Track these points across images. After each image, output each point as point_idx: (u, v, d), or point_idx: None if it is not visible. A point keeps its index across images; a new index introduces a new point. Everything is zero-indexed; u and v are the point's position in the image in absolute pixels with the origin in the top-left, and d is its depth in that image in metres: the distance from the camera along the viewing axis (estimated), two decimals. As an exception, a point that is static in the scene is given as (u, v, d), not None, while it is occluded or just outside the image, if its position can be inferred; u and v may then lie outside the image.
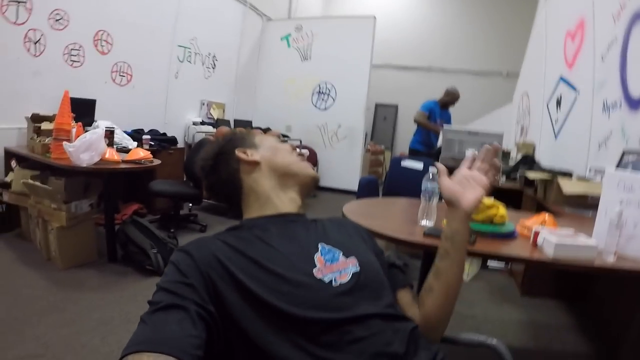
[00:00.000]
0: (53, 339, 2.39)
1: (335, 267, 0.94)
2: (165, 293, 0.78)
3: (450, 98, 5.85)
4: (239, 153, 1.13)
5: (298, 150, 1.12)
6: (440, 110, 5.89)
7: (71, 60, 4.80)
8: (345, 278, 0.92)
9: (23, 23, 4.22)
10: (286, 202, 1.11)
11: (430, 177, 1.87)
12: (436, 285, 1.06)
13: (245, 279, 0.84)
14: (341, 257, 0.98)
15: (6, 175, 3.97)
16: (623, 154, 2.85)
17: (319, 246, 0.99)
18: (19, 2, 4.13)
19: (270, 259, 0.90)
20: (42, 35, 4.41)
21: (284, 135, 7.42)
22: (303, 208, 1.16)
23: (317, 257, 0.95)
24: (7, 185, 3.87)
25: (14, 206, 3.92)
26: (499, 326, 3.01)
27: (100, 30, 5.10)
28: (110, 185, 3.60)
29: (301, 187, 1.15)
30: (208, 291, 0.81)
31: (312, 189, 1.21)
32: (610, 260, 1.51)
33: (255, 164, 1.13)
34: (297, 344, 0.81)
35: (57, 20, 4.54)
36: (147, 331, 0.70)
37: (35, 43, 4.37)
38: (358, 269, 0.96)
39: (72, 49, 4.78)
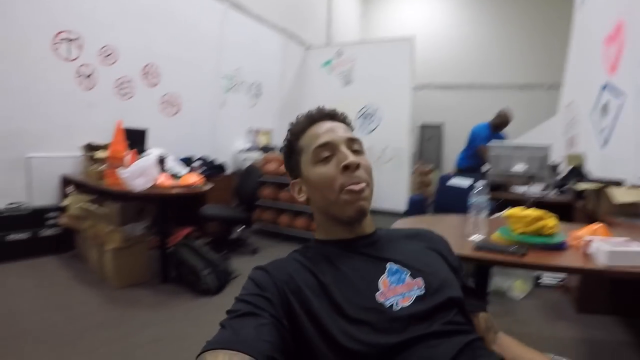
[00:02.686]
0: (106, 353, 2.43)
1: (399, 290, 0.93)
2: (243, 303, 0.82)
3: (500, 120, 5.66)
4: (291, 188, 1.11)
5: (351, 163, 0.97)
6: (491, 133, 5.70)
7: (122, 93, 4.99)
8: (407, 302, 0.91)
9: (75, 59, 4.43)
10: (343, 232, 1.04)
11: (478, 190, 1.84)
12: None
13: (314, 301, 0.88)
14: (407, 278, 0.96)
15: (63, 200, 4.13)
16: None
17: (387, 266, 0.98)
18: (70, 40, 4.36)
19: (337, 283, 0.92)
20: (93, 69, 4.62)
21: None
22: (370, 225, 1.08)
23: (382, 281, 0.94)
24: (63, 210, 4.03)
25: (70, 229, 4.06)
26: (554, 344, 2.84)
27: (148, 64, 5.30)
28: (163, 209, 3.69)
29: (346, 223, 1.03)
30: (283, 307, 0.85)
31: (359, 221, 1.04)
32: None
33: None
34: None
35: (106, 55, 4.75)
36: (225, 333, 0.75)
37: (87, 77, 4.58)
38: (423, 292, 0.94)
39: (122, 82, 4.97)
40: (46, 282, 3.47)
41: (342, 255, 0.99)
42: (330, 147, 1.01)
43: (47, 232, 4.09)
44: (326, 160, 1.01)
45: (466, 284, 1.13)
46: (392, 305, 0.89)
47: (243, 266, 4.09)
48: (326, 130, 1.04)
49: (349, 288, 0.91)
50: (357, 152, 1.03)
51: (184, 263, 3.59)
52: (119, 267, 3.45)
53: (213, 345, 0.70)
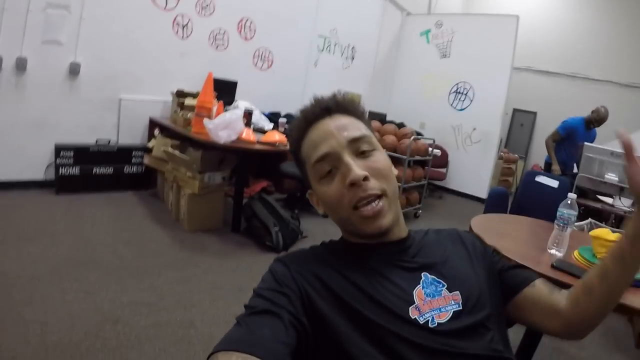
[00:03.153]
0: (168, 292, 2.49)
1: (435, 304, 0.83)
2: (261, 299, 0.77)
3: (596, 117, 5.19)
4: (310, 198, 0.98)
5: (355, 179, 0.81)
6: (584, 130, 5.26)
7: (216, 44, 5.06)
8: (445, 317, 0.82)
9: (172, 9, 4.52)
10: (372, 239, 0.90)
11: (569, 203, 1.64)
12: (599, 288, 0.89)
13: (345, 296, 0.80)
14: (444, 292, 0.86)
15: (149, 141, 4.31)
16: None
17: (422, 276, 0.88)
18: (169, -11, 4.46)
19: (366, 287, 0.82)
20: (189, 20, 4.70)
21: (418, 133, 7.21)
22: (402, 229, 0.95)
23: (417, 292, 0.84)
24: (148, 150, 4.19)
25: (152, 169, 4.22)
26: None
27: (244, 18, 5.32)
28: (243, 162, 3.73)
29: (370, 237, 0.89)
30: (303, 303, 0.79)
31: (386, 233, 0.89)
32: None
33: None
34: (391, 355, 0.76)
35: (203, 7, 4.81)
36: (241, 332, 0.70)
37: (183, 27, 4.67)
38: (460, 307, 0.84)
39: (217, 34, 5.04)
40: (122, 215, 3.64)
41: (372, 260, 0.88)
42: (330, 160, 0.86)
43: (130, 170, 4.29)
44: (329, 175, 0.86)
45: (505, 266, 1.01)
46: (427, 321, 0.80)
47: (313, 227, 4.08)
48: (324, 137, 0.87)
49: (380, 295, 0.81)
50: (365, 153, 0.87)
51: (256, 216, 3.62)
52: (193, 211, 3.54)
53: (227, 345, 0.66)
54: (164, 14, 4.46)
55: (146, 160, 4.16)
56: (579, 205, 3.70)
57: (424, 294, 0.84)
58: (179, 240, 3.31)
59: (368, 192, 0.82)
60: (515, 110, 10.41)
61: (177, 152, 3.64)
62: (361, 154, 0.86)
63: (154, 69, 4.48)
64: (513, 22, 7.08)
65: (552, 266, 1.50)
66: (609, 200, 4.04)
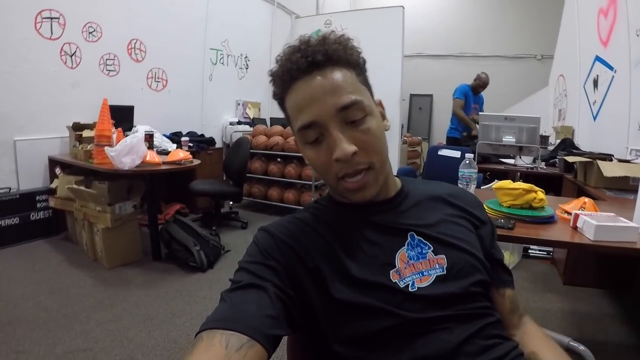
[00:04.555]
0: (101, 334, 2.47)
1: (418, 267, 0.83)
2: (245, 273, 0.77)
3: (480, 82, 5.76)
4: (295, 142, 0.94)
5: (342, 156, 0.78)
6: (473, 94, 5.80)
7: (107, 70, 4.93)
8: (427, 281, 0.82)
9: (58, 38, 4.36)
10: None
11: (467, 162, 1.84)
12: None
13: (322, 268, 0.81)
14: (429, 254, 0.85)
15: (51, 182, 4.14)
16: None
17: (409, 236, 0.87)
18: (52, 18, 4.27)
19: (347, 253, 0.83)
20: (77, 48, 4.55)
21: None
22: (392, 187, 0.95)
23: (400, 255, 0.84)
24: (52, 192, 4.03)
25: (60, 211, 4.07)
26: (540, 316, 2.90)
27: (133, 39, 5.22)
28: (152, 186, 3.69)
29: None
30: (288, 274, 0.79)
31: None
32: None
33: None
34: (362, 337, 0.78)
35: (90, 32, 4.67)
36: (224, 309, 0.71)
37: (71, 56, 4.51)
38: (444, 272, 0.83)
39: (107, 59, 4.91)
40: (38, 266, 3.50)
41: (357, 221, 0.88)
42: (316, 128, 0.80)
43: (37, 216, 4.11)
44: (316, 142, 0.82)
45: (494, 255, 0.99)
46: (407, 285, 0.80)
47: (234, 241, 4.15)
48: (310, 100, 0.79)
49: (362, 260, 0.82)
50: (356, 122, 0.80)
51: (174, 239, 3.63)
52: (110, 247, 3.48)
53: (211, 324, 0.66)
54: (50, 44, 4.29)
55: (52, 202, 4.00)
56: (485, 170, 4.06)
57: (407, 256, 0.84)
58: (101, 279, 3.26)
59: (354, 167, 0.80)
60: (412, 95, 11.01)
61: (82, 188, 3.54)
62: (352, 124, 0.80)
63: (47, 103, 4.30)
64: (399, 12, 7.43)
65: None
66: (511, 161, 4.42)
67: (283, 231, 0.86)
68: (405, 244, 0.86)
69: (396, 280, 0.80)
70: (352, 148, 0.78)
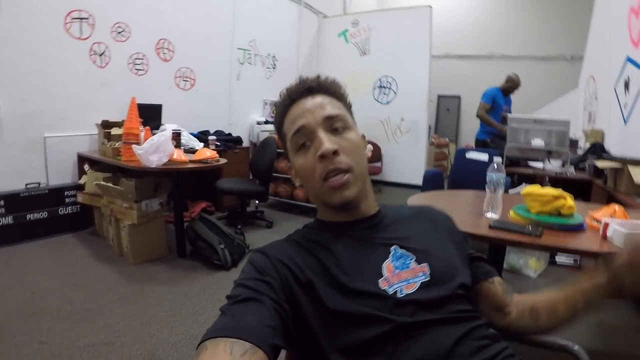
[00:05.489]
0: (124, 329, 2.49)
1: (403, 275, 0.89)
2: (242, 288, 0.80)
3: (511, 84, 5.61)
4: (289, 171, 1.06)
5: (325, 151, 0.89)
6: (503, 96, 5.68)
7: (135, 69, 5.01)
8: (412, 288, 0.88)
9: (87, 38, 4.44)
10: (343, 215, 0.99)
11: (496, 167, 1.79)
12: (545, 319, 1.03)
13: (315, 281, 0.86)
14: (412, 264, 0.92)
15: (80, 178, 4.20)
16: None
17: (392, 250, 0.94)
18: (81, 19, 4.36)
19: (338, 266, 0.88)
20: (106, 47, 4.63)
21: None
22: (372, 206, 1.03)
23: (387, 265, 0.91)
24: (81, 187, 4.09)
25: (88, 206, 4.14)
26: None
27: (161, 39, 5.29)
28: (178, 184, 3.71)
29: (340, 209, 0.97)
30: (284, 290, 0.83)
31: (355, 206, 0.98)
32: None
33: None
34: (358, 345, 0.81)
35: (119, 32, 4.75)
36: (226, 320, 0.73)
37: (101, 55, 4.59)
38: (428, 278, 0.90)
39: (135, 59, 4.99)
40: (65, 260, 3.54)
41: (344, 238, 0.95)
42: (305, 133, 0.93)
43: (65, 211, 4.17)
44: (304, 147, 0.94)
45: (473, 255, 1.10)
46: (395, 292, 0.86)
47: (259, 240, 4.13)
48: (302, 113, 0.95)
49: (352, 272, 0.88)
50: (339, 130, 0.94)
51: (200, 238, 3.64)
52: (135, 243, 3.51)
53: (214, 334, 0.68)
54: (80, 44, 4.38)
55: (80, 198, 4.06)
56: (512, 174, 3.95)
57: (393, 266, 0.90)
58: (126, 275, 3.28)
59: (336, 165, 0.90)
60: (440, 97, 10.90)
61: (110, 184, 3.58)
62: (335, 131, 0.94)
63: (76, 102, 4.38)
64: (427, 12, 7.41)
65: (490, 227, 1.62)
66: (539, 165, 4.31)
67: (276, 250, 0.92)
68: (390, 256, 0.92)
69: (385, 288, 0.86)
70: (334, 146, 0.90)
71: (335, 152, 0.90)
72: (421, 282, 0.89)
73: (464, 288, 0.94)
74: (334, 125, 0.94)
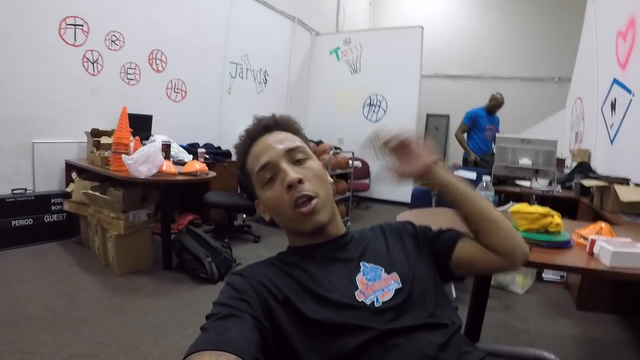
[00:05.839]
0: (108, 340, 2.45)
1: (377, 286, 0.95)
2: (222, 307, 0.82)
3: (495, 103, 5.75)
4: (257, 208, 1.09)
5: (291, 181, 0.94)
6: (487, 115, 5.79)
7: (127, 79, 5.00)
8: (388, 295, 0.93)
9: (81, 45, 4.43)
10: (313, 239, 1.03)
11: (484, 185, 1.82)
12: (480, 224, 1.09)
13: (292, 297, 0.89)
14: (383, 274, 0.98)
15: (67, 186, 4.16)
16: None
17: (361, 265, 1.00)
18: (76, 25, 4.35)
19: (314, 282, 0.93)
20: (99, 55, 4.62)
21: (336, 148, 7.41)
22: (340, 227, 1.08)
23: (359, 279, 0.96)
24: (67, 195, 4.05)
25: (74, 215, 4.08)
26: (553, 341, 2.83)
27: (154, 50, 5.30)
28: (166, 196, 3.69)
29: (310, 235, 1.01)
30: (262, 308, 0.85)
31: (323, 230, 1.01)
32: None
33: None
34: (343, 356, 0.84)
35: (113, 41, 4.75)
36: (209, 335, 0.74)
37: (93, 63, 4.58)
38: (400, 285, 0.96)
39: (128, 68, 4.98)
40: (49, 268, 3.49)
41: (317, 259, 1.00)
42: (270, 168, 0.99)
43: (51, 218, 4.12)
44: (271, 181, 0.99)
45: (438, 233, 1.17)
46: (373, 302, 0.91)
47: (245, 254, 4.12)
48: (264, 149, 1.01)
49: (327, 286, 0.92)
50: (300, 161, 1.01)
51: (186, 249, 3.61)
52: (121, 253, 3.47)
53: (198, 347, 0.69)
54: (73, 50, 4.37)
55: (66, 206, 4.01)
56: (500, 192, 4.01)
57: (366, 279, 0.95)
58: (111, 285, 3.24)
59: (303, 192, 0.95)
60: (428, 116, 11.01)
61: (97, 194, 3.54)
62: (297, 162, 1.00)
63: (67, 108, 4.36)
64: (418, 32, 7.52)
65: None
66: (526, 183, 4.36)
67: (253, 271, 0.96)
68: (361, 271, 0.98)
69: (362, 299, 0.91)
70: (298, 176, 0.95)
71: (300, 181, 0.95)
72: (395, 289, 0.95)
73: (435, 281, 1.03)
74: (295, 157, 1.01)
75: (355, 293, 0.92)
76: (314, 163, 1.03)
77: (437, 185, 1.12)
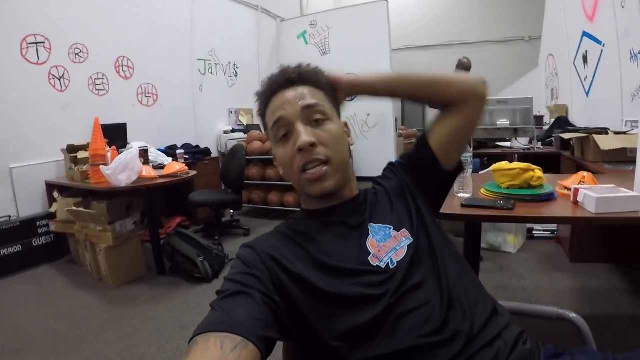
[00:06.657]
0: (112, 353, 2.48)
1: (389, 245, 0.94)
2: (231, 283, 0.82)
3: (462, 68, 5.79)
4: (273, 157, 1.07)
5: (302, 144, 0.92)
6: None
7: (97, 90, 4.94)
8: (402, 254, 0.93)
9: (45, 62, 4.37)
10: (324, 202, 1.03)
11: None
12: (426, 91, 1.15)
13: (304, 270, 0.88)
14: (393, 232, 0.98)
15: (50, 206, 4.14)
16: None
17: (369, 228, 0.98)
18: (37, 43, 4.28)
19: (325, 254, 0.92)
20: (65, 70, 4.56)
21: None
22: (353, 189, 1.08)
23: (370, 242, 0.95)
24: (52, 216, 4.03)
25: (62, 234, 4.08)
26: (550, 295, 2.92)
27: (120, 57, 5.23)
28: (150, 201, 3.70)
29: (320, 198, 1.01)
30: (273, 282, 0.84)
31: (334, 194, 1.01)
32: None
33: None
34: (356, 329, 0.84)
35: (76, 54, 4.68)
36: (216, 315, 0.74)
37: (60, 79, 4.53)
38: (411, 239, 0.96)
39: (95, 79, 4.92)
40: (45, 291, 3.51)
41: (327, 226, 0.99)
42: (284, 125, 0.96)
43: (39, 241, 4.10)
44: (285, 138, 0.97)
45: (411, 153, 1.21)
46: (387, 265, 0.90)
47: (237, 249, 4.08)
48: (282, 104, 0.98)
49: (339, 257, 0.92)
50: (319, 121, 0.97)
51: (178, 253, 3.63)
52: (114, 265, 3.48)
53: (204, 329, 0.69)
54: (38, 68, 4.30)
55: (52, 226, 4.00)
56: (482, 155, 4.06)
57: (376, 241, 0.95)
58: (107, 299, 3.26)
59: (313, 156, 0.93)
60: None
61: (81, 209, 3.55)
62: (315, 122, 0.97)
63: (39, 128, 4.31)
64: (383, 6, 7.47)
65: (462, 205, 1.65)
66: (507, 144, 4.41)
67: (263, 243, 0.95)
68: (370, 233, 0.97)
69: (377, 264, 0.91)
70: (311, 139, 0.92)
71: (313, 145, 0.93)
72: (407, 245, 0.95)
73: (434, 224, 1.04)
74: (313, 116, 0.97)
75: (369, 258, 0.91)
76: (333, 125, 0.99)
77: (364, 88, 1.16)
